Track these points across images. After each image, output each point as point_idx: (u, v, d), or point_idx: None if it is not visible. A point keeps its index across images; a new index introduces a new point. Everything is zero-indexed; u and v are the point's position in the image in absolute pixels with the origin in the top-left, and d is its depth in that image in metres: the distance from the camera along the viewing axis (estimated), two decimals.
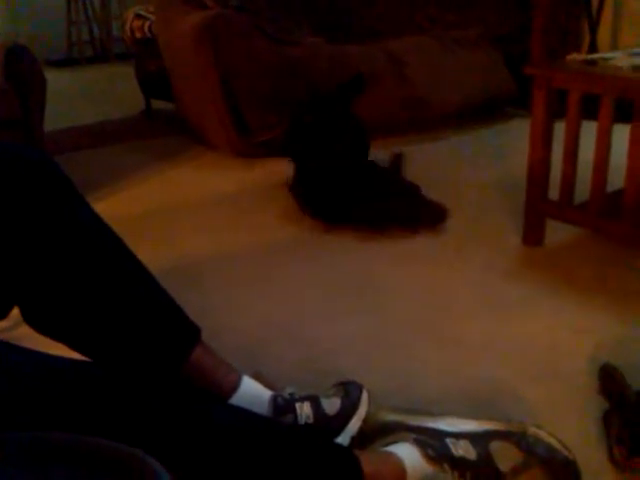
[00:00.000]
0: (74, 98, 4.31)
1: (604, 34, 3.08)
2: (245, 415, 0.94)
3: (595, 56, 1.87)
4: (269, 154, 2.68)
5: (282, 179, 2.27)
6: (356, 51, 2.88)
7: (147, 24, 3.22)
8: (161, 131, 3.25)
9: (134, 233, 2.07)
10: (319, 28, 3.04)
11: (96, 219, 1.06)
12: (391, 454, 0.98)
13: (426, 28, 3.19)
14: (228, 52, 2.61)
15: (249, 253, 1.95)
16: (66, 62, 5.51)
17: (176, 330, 1.06)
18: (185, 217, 2.24)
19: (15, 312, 1.01)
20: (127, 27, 3.31)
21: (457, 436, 1.03)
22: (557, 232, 1.88)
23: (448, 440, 1.01)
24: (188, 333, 1.07)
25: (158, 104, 3.52)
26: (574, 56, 1.86)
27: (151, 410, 0.84)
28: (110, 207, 2.29)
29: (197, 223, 2.18)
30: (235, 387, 1.06)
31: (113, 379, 0.85)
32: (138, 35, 3.29)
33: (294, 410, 1.08)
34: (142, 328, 1.04)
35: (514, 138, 2.80)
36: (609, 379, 1.26)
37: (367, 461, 0.94)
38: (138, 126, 3.39)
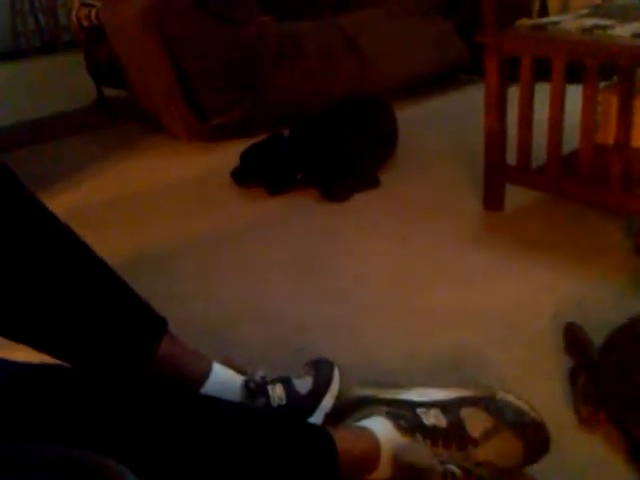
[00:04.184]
0: (23, 91, 4.20)
1: None
2: (215, 404, 0.94)
3: (544, 20, 1.89)
4: (225, 137, 2.66)
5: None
6: (306, 28, 2.86)
7: (93, 12, 3.14)
8: (115, 120, 3.19)
9: (97, 224, 2.06)
10: (268, 6, 3.00)
11: (51, 217, 1.04)
12: (364, 429, 1.00)
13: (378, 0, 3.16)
14: (176, 35, 2.56)
15: (214, 237, 1.94)
16: (12, 55, 5.36)
17: (141, 323, 1.06)
18: (147, 205, 2.21)
19: None
20: (73, 16, 3.23)
21: (428, 405, 1.04)
22: (516, 196, 1.91)
23: (419, 410, 1.03)
24: (154, 325, 1.07)
25: (111, 92, 3.45)
26: (523, 21, 1.87)
27: (122, 410, 0.83)
28: (70, 200, 2.25)
29: (160, 210, 2.16)
30: (206, 375, 1.06)
31: (81, 380, 0.84)
32: (85, 23, 3.21)
33: (266, 393, 1.09)
34: (106, 323, 1.03)
35: (469, 105, 2.80)
36: (573, 338, 1.30)
37: (341, 438, 0.95)
38: (92, 116, 3.32)
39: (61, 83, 4.32)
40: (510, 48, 1.75)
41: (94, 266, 1.05)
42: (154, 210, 2.17)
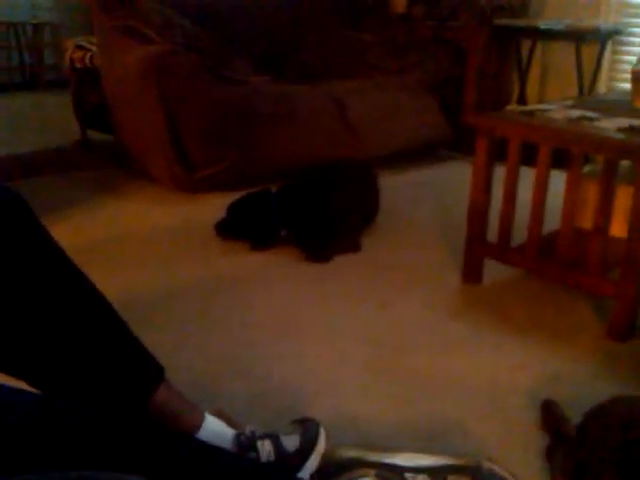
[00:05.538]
0: (3, 126, 4.19)
1: (532, 87, 3.27)
2: (213, 450, 0.95)
3: (532, 108, 1.99)
4: (211, 189, 2.70)
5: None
6: (299, 92, 2.95)
7: (88, 55, 3.19)
8: (99, 163, 3.21)
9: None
10: (264, 67, 3.10)
11: (58, 251, 1.05)
12: None
13: (368, 73, 3.29)
14: (174, 89, 2.62)
15: (196, 288, 1.94)
16: None
17: (140, 368, 1.06)
18: (130, 251, 2.21)
19: None
20: (67, 57, 3.28)
21: (416, 471, 1.06)
22: (495, 270, 1.97)
23: (407, 475, 1.05)
24: (152, 372, 1.07)
25: (93, 135, 3.48)
26: (513, 107, 1.98)
27: (115, 448, 0.83)
28: None
29: (142, 257, 2.16)
30: (199, 425, 1.06)
31: (79, 415, 0.85)
32: (78, 65, 3.26)
33: (256, 448, 1.09)
34: (106, 366, 1.03)
35: (452, 179, 2.93)
36: (550, 415, 1.33)
37: None
38: (75, 157, 3.33)
39: (42, 121, 4.33)
40: (500, 131, 1.84)
41: (97, 306, 1.06)
42: (137, 257, 2.17)
